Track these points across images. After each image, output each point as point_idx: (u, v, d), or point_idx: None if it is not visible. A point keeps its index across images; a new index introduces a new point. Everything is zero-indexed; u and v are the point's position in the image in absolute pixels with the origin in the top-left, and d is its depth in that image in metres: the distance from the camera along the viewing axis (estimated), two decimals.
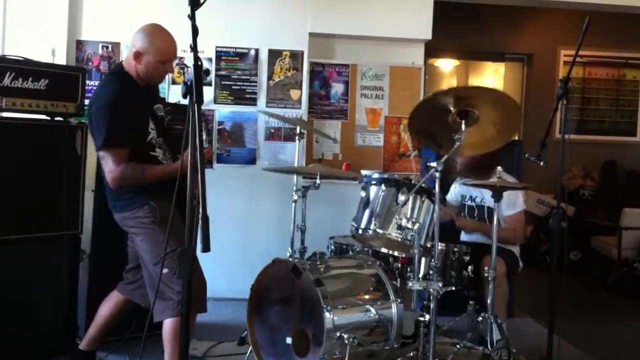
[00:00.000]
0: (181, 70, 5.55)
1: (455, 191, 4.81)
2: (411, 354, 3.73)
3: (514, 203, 4.45)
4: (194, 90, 2.33)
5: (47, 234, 3.83)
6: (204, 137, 2.68)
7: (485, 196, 4.49)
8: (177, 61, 5.52)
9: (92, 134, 3.22)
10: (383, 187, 3.72)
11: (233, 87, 5.63)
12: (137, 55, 3.24)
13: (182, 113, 3.54)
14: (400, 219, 3.55)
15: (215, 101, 5.60)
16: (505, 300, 4.25)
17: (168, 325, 3.13)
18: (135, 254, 3.37)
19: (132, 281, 3.51)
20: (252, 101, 5.64)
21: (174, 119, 4.13)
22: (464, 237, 4.71)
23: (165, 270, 3.04)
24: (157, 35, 3.26)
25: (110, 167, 3.11)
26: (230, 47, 5.63)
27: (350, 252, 4.20)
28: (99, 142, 3.12)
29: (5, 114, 3.73)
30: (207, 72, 5.48)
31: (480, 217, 4.55)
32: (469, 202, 4.64)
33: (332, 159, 5.89)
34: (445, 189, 4.80)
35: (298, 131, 4.42)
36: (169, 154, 3.36)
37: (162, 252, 3.09)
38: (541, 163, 4.09)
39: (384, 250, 3.95)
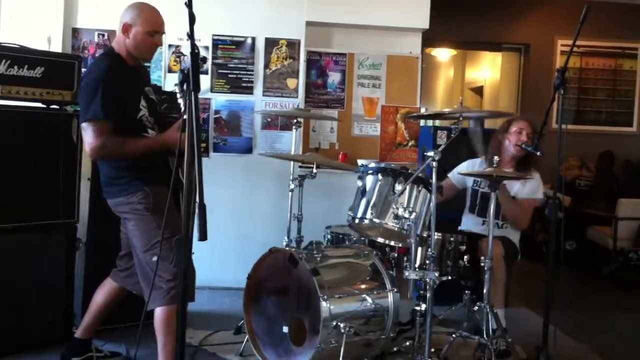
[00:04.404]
0: (177, 59, 5.53)
1: (465, 170, 4.65)
2: (407, 343, 3.76)
3: (534, 192, 4.49)
4: (190, 78, 2.32)
5: (43, 222, 3.82)
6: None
7: (508, 186, 4.44)
8: (173, 49, 5.50)
9: (80, 108, 3.21)
10: (380, 176, 3.72)
11: (229, 75, 5.61)
12: (126, 28, 3.24)
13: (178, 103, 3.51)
14: (397, 209, 3.55)
15: (212, 90, 5.58)
16: (503, 285, 4.25)
17: (158, 314, 3.12)
18: (128, 240, 3.35)
19: (124, 268, 3.50)
20: (249, 90, 5.63)
21: (170, 107, 4.12)
22: (462, 227, 4.70)
23: (154, 258, 3.03)
24: (145, 7, 3.29)
25: (90, 139, 3.09)
26: (227, 36, 5.60)
27: (347, 242, 4.20)
28: (87, 115, 3.10)
29: (0, 102, 3.71)
30: (204, 60, 5.44)
31: (481, 204, 4.54)
32: (475, 186, 4.62)
33: (328, 148, 5.89)
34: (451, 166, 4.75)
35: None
36: None
37: (153, 240, 3.10)
38: (538, 153, 4.09)
39: (380, 239, 3.96)
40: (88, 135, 3.10)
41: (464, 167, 4.70)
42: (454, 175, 4.70)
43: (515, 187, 4.48)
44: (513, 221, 4.52)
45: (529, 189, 4.49)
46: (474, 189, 4.61)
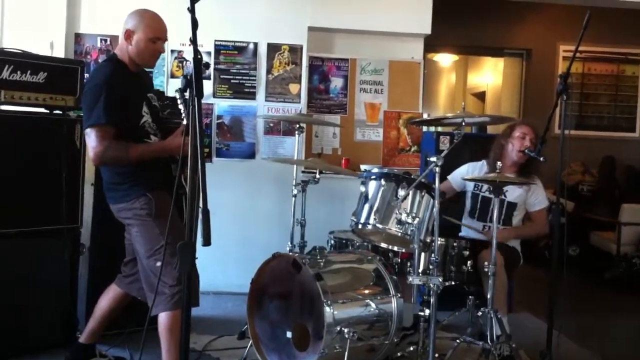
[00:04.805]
0: (180, 64, 5.54)
1: (465, 173, 4.64)
2: (411, 349, 3.74)
3: (542, 201, 4.52)
4: (193, 83, 2.32)
5: (46, 227, 3.83)
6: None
7: (509, 192, 4.46)
8: (175, 54, 5.51)
9: (83, 114, 3.22)
10: (383, 181, 3.72)
11: (232, 81, 5.62)
12: (128, 35, 3.25)
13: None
14: (400, 214, 3.55)
15: (214, 95, 5.59)
16: (505, 293, 4.24)
17: (162, 319, 3.13)
18: (132, 246, 3.36)
19: (129, 274, 3.50)
20: (251, 95, 5.63)
21: (173, 113, 4.12)
22: (463, 232, 4.70)
23: (158, 264, 3.03)
24: (147, 14, 3.30)
25: (93, 144, 3.09)
26: (229, 41, 5.61)
27: (350, 247, 4.19)
28: (89, 120, 3.10)
29: (3, 107, 3.72)
30: (207, 65, 5.47)
31: (482, 208, 4.54)
32: (475, 190, 4.61)
33: (331, 153, 5.89)
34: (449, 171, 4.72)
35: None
36: None
37: (156, 245, 3.10)
38: (541, 158, 4.09)
39: (383, 245, 3.95)
40: (91, 140, 3.10)
41: (465, 170, 4.69)
42: (454, 178, 4.68)
43: (517, 192, 4.47)
44: (536, 237, 4.60)
45: (535, 199, 4.51)
46: (475, 192, 4.60)
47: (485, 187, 4.51)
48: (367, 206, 3.73)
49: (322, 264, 3.53)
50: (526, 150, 4.35)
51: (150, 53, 3.30)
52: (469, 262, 4.05)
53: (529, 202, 4.51)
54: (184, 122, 2.36)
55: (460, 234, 4.68)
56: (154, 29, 3.26)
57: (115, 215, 3.32)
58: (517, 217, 4.54)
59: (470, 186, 4.63)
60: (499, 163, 3.88)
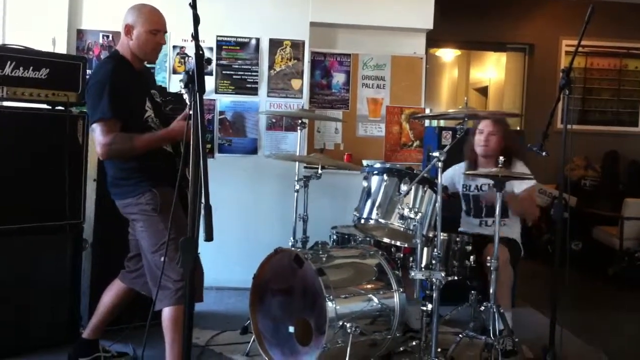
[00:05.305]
0: (182, 60, 5.54)
1: (452, 176, 4.65)
2: (413, 343, 3.75)
3: (525, 180, 4.39)
4: (195, 79, 2.32)
5: (49, 223, 3.83)
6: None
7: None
8: (178, 50, 5.51)
9: (88, 111, 3.24)
10: (385, 177, 3.72)
11: (234, 76, 5.62)
12: (128, 30, 3.28)
13: (184, 102, 3.54)
14: (403, 209, 3.55)
15: (216, 91, 5.59)
16: (510, 288, 4.24)
17: (167, 313, 3.14)
18: (136, 242, 3.37)
19: (133, 270, 3.51)
20: (253, 91, 5.63)
21: (176, 108, 4.12)
22: (462, 228, 4.68)
23: (162, 259, 3.04)
24: (145, 8, 3.32)
25: (100, 138, 3.11)
26: (231, 37, 5.61)
27: (353, 242, 4.20)
28: (95, 115, 3.13)
29: (6, 103, 3.72)
30: (209, 61, 5.41)
31: (475, 206, 4.53)
32: (465, 191, 4.60)
33: (333, 149, 5.89)
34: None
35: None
36: None
37: (161, 240, 3.11)
38: (543, 153, 4.08)
39: (386, 240, 3.96)
40: (97, 135, 3.13)
41: (450, 173, 4.66)
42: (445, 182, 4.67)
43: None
44: (523, 215, 4.56)
45: (517, 182, 4.39)
46: (465, 193, 4.59)
47: (473, 186, 4.51)
48: (369, 201, 3.74)
49: (324, 259, 3.54)
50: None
51: (152, 46, 3.31)
52: (471, 257, 4.04)
53: (514, 185, 4.38)
54: (187, 107, 2.36)
55: (459, 229, 4.66)
56: (153, 21, 3.28)
57: (121, 211, 3.33)
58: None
59: (459, 187, 4.62)
60: (501, 158, 3.86)
